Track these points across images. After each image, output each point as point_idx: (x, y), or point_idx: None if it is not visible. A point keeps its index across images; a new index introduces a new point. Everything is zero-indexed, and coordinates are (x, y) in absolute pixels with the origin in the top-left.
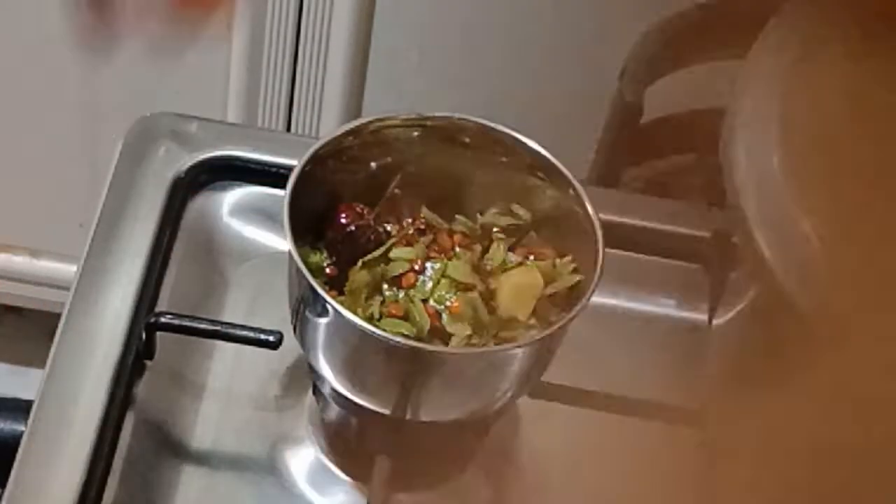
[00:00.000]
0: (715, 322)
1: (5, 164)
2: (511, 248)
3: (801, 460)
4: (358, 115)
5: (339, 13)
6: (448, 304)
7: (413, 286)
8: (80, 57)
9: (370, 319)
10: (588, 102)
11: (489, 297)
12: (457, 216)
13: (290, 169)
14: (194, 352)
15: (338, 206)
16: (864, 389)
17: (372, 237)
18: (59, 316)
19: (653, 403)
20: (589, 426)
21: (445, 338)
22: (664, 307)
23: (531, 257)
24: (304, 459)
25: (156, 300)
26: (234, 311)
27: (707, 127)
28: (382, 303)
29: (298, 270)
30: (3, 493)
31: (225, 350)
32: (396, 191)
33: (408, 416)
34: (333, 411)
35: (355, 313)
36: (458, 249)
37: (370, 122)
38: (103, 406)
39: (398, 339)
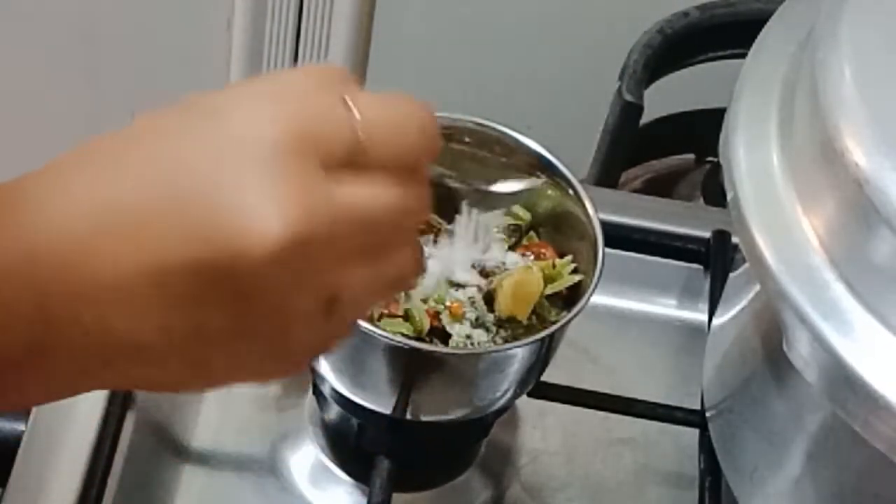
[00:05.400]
0: (715, 322)
1: (6, 163)
2: (511, 248)
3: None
4: None
5: (339, 13)
6: (448, 304)
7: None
8: (81, 56)
9: (370, 319)
10: (588, 102)
11: (489, 297)
12: (457, 216)
13: None
14: None
15: None
16: None
17: None
18: None
19: (653, 403)
20: (589, 426)
21: (445, 338)
22: (664, 307)
23: (531, 257)
24: (304, 459)
25: None
26: None
27: (707, 127)
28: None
29: None
30: (3, 493)
31: None
32: None
33: (408, 416)
34: (333, 411)
35: None
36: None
37: None
38: (103, 406)
39: (398, 339)
